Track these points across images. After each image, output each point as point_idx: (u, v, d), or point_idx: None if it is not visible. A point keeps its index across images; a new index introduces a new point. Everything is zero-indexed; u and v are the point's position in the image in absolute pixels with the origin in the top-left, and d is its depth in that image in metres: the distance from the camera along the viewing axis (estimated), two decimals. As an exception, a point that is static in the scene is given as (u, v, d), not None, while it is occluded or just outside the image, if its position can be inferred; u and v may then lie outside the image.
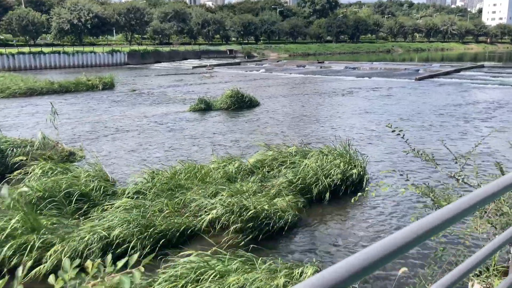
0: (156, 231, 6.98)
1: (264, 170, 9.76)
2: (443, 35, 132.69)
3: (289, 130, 16.10)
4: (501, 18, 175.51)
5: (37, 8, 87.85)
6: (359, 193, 6.75)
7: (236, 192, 8.22)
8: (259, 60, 66.46)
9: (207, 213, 7.38)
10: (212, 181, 8.65)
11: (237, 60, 65.36)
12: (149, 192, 8.29)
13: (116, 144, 14.14)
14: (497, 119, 17.00)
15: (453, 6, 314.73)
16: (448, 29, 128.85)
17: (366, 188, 9.81)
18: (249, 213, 7.22)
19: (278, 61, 61.54)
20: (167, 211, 7.43)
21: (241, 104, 21.92)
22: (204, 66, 56.57)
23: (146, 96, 27.37)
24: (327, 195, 8.94)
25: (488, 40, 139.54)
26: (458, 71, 38.23)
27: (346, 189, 9.37)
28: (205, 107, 21.33)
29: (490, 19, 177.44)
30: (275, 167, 9.98)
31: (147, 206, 7.60)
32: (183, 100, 25.14)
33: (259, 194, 8.56)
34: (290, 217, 7.79)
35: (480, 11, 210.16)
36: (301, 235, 7.64)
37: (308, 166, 9.30)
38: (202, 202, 7.63)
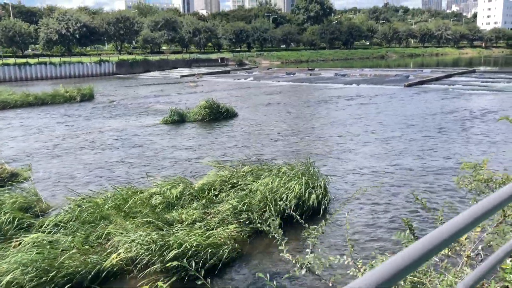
0: (61, 274, 5.90)
1: (211, 194, 8.69)
2: (438, 40, 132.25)
3: (258, 144, 15.05)
4: (496, 23, 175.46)
5: (27, 19, 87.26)
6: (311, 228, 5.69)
7: (166, 223, 7.16)
8: (249, 68, 65.59)
9: (124, 251, 6.31)
10: (142, 211, 7.57)
11: (227, 69, 64.47)
12: (68, 224, 7.22)
13: (70, 162, 13.07)
14: (472, 132, 15.93)
15: (448, 11, 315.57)
16: (443, 34, 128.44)
17: (331, 215, 8.79)
18: (172, 252, 6.14)
19: (268, 69, 60.66)
20: (77, 249, 6.35)
21: (217, 115, 20.90)
22: (193, 75, 55.67)
23: (122, 108, 26.35)
24: (277, 223, 7.84)
25: (483, 44, 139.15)
26: (448, 76, 37.33)
27: (302, 215, 8.30)
28: (178, 119, 20.30)
29: (485, 24, 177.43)
30: (225, 190, 8.92)
31: (61, 242, 6.53)
32: (159, 111, 24.12)
33: (199, 224, 7.51)
34: (226, 252, 6.72)
35: (475, 16, 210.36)
36: (236, 273, 6.56)
37: (257, 190, 8.24)
38: (120, 238, 6.55)
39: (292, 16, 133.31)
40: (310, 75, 48.17)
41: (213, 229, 7.42)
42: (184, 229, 7.04)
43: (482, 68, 53.06)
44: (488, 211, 1.47)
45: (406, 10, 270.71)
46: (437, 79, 35.43)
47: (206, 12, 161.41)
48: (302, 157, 12.52)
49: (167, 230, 6.78)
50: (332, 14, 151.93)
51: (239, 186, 8.86)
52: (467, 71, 39.96)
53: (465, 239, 2.58)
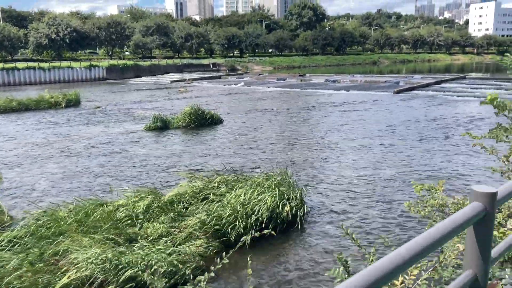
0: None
1: (180, 206, 8.28)
2: (430, 46, 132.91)
3: (240, 152, 14.67)
4: (487, 29, 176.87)
5: (18, 23, 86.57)
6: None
7: (128, 239, 6.75)
8: (240, 74, 65.32)
9: (77, 270, 5.88)
10: (103, 225, 7.14)
11: (218, 74, 64.18)
12: (23, 240, 6.78)
13: (42, 171, 12.61)
14: (453, 141, 15.62)
15: (441, 17, 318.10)
16: (435, 40, 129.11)
17: (305, 228, 8.42)
18: (128, 271, 5.73)
19: (259, 74, 60.41)
20: (28, 268, 5.92)
21: (201, 121, 20.50)
22: (184, 80, 55.34)
23: (107, 114, 25.87)
24: (249, 237, 7.45)
25: (475, 51, 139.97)
26: (439, 83, 37.21)
27: (276, 228, 7.92)
28: (161, 126, 19.87)
29: (477, 30, 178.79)
30: (196, 202, 8.51)
31: (11, 260, 6.09)
32: (144, 117, 23.67)
33: (164, 239, 7.10)
34: (189, 271, 6.30)
35: (467, 22, 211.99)
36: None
37: (227, 203, 7.85)
38: (76, 256, 6.13)
39: (285, 22, 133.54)
40: (301, 81, 47.95)
41: (180, 244, 7.03)
42: (146, 245, 6.63)
43: (473, 75, 53.09)
44: (425, 249, 1.39)
45: (399, 17, 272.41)
46: (427, 85, 35.28)
47: (199, 18, 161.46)
48: (283, 166, 12.16)
49: (126, 247, 6.36)
50: (325, 20, 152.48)
51: (210, 198, 8.47)
52: (457, 77, 39.87)
53: (400, 284, 2.20)
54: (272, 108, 26.71)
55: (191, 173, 9.78)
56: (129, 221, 7.71)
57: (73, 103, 31.15)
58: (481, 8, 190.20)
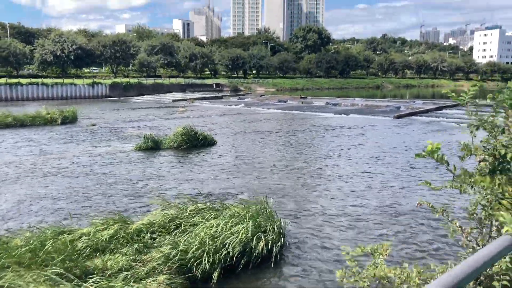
0: None
1: (147, 237, 7.76)
2: (434, 72, 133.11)
3: (227, 176, 14.17)
4: (491, 56, 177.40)
5: (25, 40, 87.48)
6: None
7: (84, 272, 6.22)
8: (243, 94, 65.25)
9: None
10: (58, 257, 6.62)
11: (220, 94, 64.15)
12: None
13: (18, 193, 12.13)
14: (443, 172, 15.04)
15: (445, 44, 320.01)
16: (439, 66, 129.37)
17: (281, 265, 7.86)
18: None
19: (261, 96, 60.29)
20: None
21: (194, 142, 20.06)
22: (185, 100, 55.26)
23: (101, 132, 25.52)
24: (216, 273, 6.91)
25: (479, 77, 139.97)
26: (440, 108, 36.77)
27: (248, 264, 7.37)
28: (152, 146, 19.45)
29: (481, 57, 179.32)
30: (164, 232, 7.99)
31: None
32: (138, 137, 23.27)
33: (124, 273, 6.56)
34: (145, 313, 5.76)
35: (471, 49, 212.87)
36: None
37: (195, 235, 7.32)
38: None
39: (290, 45, 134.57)
40: (302, 103, 47.70)
41: (141, 279, 6.49)
42: (102, 281, 6.09)
43: (476, 101, 52.59)
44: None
45: (403, 42, 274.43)
46: (428, 111, 34.85)
47: (206, 38, 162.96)
48: (267, 192, 11.66)
49: (76, 284, 5.83)
50: (330, 44, 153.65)
51: (181, 229, 7.95)
52: (459, 103, 39.40)
53: None
54: (268, 130, 26.29)
55: (165, 200, 9.27)
56: (90, 252, 7.20)
57: (70, 120, 30.88)
58: (485, 35, 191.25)
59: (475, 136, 2.88)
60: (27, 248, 6.83)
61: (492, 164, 2.65)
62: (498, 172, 2.61)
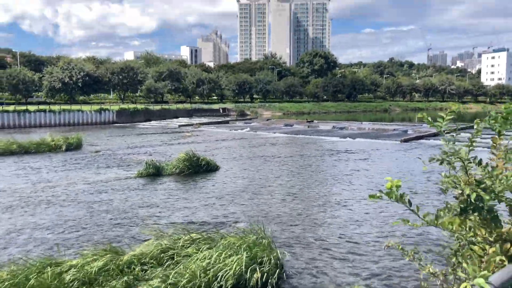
0: None
1: (138, 269, 7.41)
2: (442, 95, 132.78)
3: (227, 203, 13.83)
4: (500, 79, 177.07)
5: (35, 68, 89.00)
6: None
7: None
8: (249, 119, 65.31)
9: None
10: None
11: (226, 119, 64.24)
12: None
13: (8, 222, 11.87)
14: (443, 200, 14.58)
15: (453, 67, 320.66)
16: (447, 88, 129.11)
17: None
18: None
19: (267, 120, 60.28)
20: None
21: (196, 168, 19.80)
22: (191, 125, 55.35)
23: (104, 159, 25.39)
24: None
25: (487, 100, 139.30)
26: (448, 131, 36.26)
27: (242, 298, 6.98)
28: (154, 172, 19.21)
29: (489, 80, 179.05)
30: (156, 264, 7.64)
31: None
32: (141, 163, 23.08)
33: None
34: None
35: (479, 72, 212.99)
36: None
37: (186, 268, 6.97)
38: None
39: (296, 69, 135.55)
40: (308, 127, 47.49)
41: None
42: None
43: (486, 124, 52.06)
44: None
45: (411, 65, 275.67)
46: (435, 134, 34.37)
47: (213, 64, 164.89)
48: (268, 220, 11.29)
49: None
50: (337, 68, 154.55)
51: (174, 260, 7.60)
52: (467, 126, 38.89)
53: None
54: (272, 155, 25.99)
55: (159, 230, 8.95)
56: (77, 286, 6.86)
57: (74, 146, 30.82)
58: (493, 58, 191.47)
59: (454, 168, 2.58)
60: (11, 282, 6.52)
61: (463, 202, 2.35)
62: (470, 211, 2.29)
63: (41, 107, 60.94)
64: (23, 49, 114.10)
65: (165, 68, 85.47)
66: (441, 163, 2.58)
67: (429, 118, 2.87)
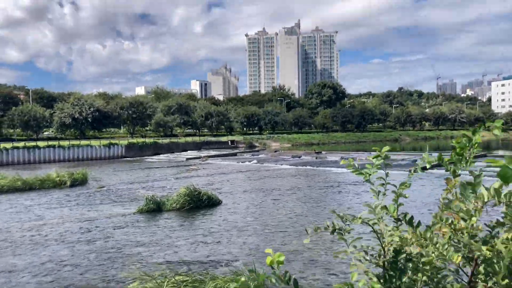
0: None
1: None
2: (452, 123, 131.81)
3: (225, 240, 13.38)
4: (510, 106, 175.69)
5: (48, 104, 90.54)
6: None
7: None
8: (257, 151, 65.12)
9: None
10: None
11: (234, 151, 64.12)
12: None
13: (2, 261, 11.55)
14: None
15: (463, 95, 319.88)
16: (457, 117, 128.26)
17: None
18: None
19: (275, 151, 60.04)
20: None
21: (197, 203, 19.42)
22: (199, 158, 55.25)
23: (108, 194, 25.18)
24: None
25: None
26: (457, 161, 35.57)
27: None
28: (154, 208, 18.87)
29: (500, 107, 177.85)
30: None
31: None
32: (143, 198, 22.79)
33: None
34: None
35: (489, 99, 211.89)
36: None
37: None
38: None
39: (305, 101, 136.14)
40: (316, 158, 47.07)
41: None
42: None
43: (499, 152, 51.33)
44: None
45: (420, 94, 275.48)
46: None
47: (223, 97, 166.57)
48: (263, 260, 10.78)
49: None
50: (345, 98, 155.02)
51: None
52: (477, 155, 38.10)
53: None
54: (277, 188, 25.53)
55: (144, 273, 8.52)
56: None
57: (79, 182, 30.72)
58: (503, 85, 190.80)
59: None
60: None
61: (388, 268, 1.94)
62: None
63: (51, 142, 61.50)
64: (38, 86, 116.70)
65: (174, 102, 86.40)
66: (332, 232, 2.18)
67: (356, 164, 2.49)
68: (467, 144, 2.22)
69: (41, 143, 60.15)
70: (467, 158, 2.14)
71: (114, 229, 15.43)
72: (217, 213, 18.25)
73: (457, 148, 2.28)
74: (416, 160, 37.80)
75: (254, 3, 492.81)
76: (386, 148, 2.30)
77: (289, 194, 23.21)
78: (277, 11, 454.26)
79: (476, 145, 2.13)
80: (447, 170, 2.11)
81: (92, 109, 70.83)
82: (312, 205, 19.57)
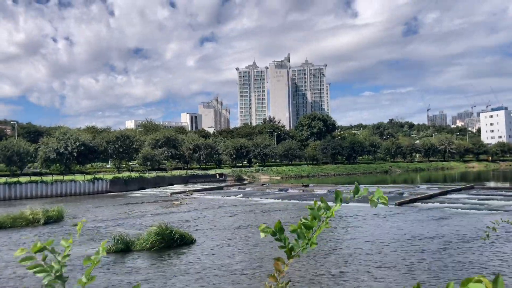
0: None
1: None
2: (443, 154, 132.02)
3: (195, 286, 12.37)
4: (500, 137, 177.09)
5: (34, 138, 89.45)
6: None
7: None
8: (244, 184, 64.07)
9: None
10: None
11: (221, 185, 63.02)
12: None
13: None
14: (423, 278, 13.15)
15: (453, 126, 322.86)
16: (446, 148, 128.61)
17: None
18: None
19: (262, 184, 59.03)
20: None
21: (169, 242, 18.39)
22: (184, 192, 54.12)
23: (80, 233, 23.92)
24: None
25: (489, 158, 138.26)
26: (444, 193, 34.96)
27: None
28: (123, 248, 17.81)
29: (490, 138, 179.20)
30: None
31: None
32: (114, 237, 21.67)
33: None
34: None
35: (479, 130, 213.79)
36: None
37: None
38: None
39: (295, 133, 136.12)
40: (303, 191, 46.20)
41: None
42: None
43: (488, 184, 50.81)
44: None
45: (411, 126, 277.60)
46: (431, 196, 33.04)
47: (214, 130, 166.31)
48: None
49: None
50: (336, 130, 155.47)
51: None
52: (464, 187, 37.63)
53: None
54: (257, 224, 24.51)
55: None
56: None
57: (54, 219, 29.51)
58: (491, 116, 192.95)
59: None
60: None
61: None
62: None
63: (33, 178, 60.17)
64: (31, 121, 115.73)
65: (161, 135, 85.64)
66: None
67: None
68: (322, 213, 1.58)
69: (23, 179, 58.74)
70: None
71: (71, 272, 14.32)
72: (188, 253, 17.24)
73: (310, 217, 1.63)
74: (403, 193, 37.05)
75: (245, 38, 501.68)
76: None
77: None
78: (268, 46, 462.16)
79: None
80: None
81: (77, 143, 69.79)
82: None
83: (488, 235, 4.16)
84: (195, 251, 17.53)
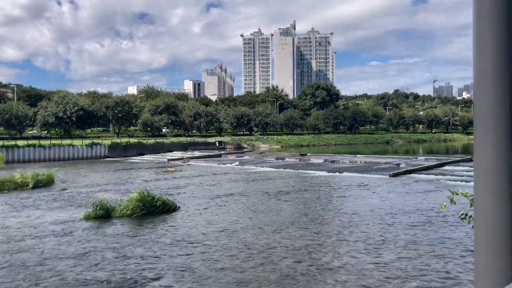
0: None
1: None
2: (446, 126, 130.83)
3: (167, 256, 12.02)
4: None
5: (34, 102, 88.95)
6: None
7: None
8: (242, 152, 63.78)
9: None
10: None
11: (220, 153, 62.73)
12: None
13: None
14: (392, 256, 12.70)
15: (459, 98, 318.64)
16: (450, 120, 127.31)
17: None
18: None
19: (261, 153, 58.68)
20: None
21: (150, 209, 18.04)
22: (182, 159, 53.87)
23: (67, 198, 23.71)
24: None
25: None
26: (442, 165, 34.37)
27: None
28: (103, 214, 17.50)
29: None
30: None
31: None
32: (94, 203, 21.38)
33: None
34: None
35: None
36: None
37: None
38: None
39: (298, 102, 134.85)
40: (300, 160, 45.77)
41: None
42: None
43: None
44: None
45: (416, 97, 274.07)
46: (427, 168, 32.50)
47: (217, 98, 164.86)
48: (197, 278, 9.48)
49: None
50: (339, 100, 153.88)
51: None
52: (463, 159, 36.99)
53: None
54: (245, 193, 24.20)
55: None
56: None
57: (44, 184, 29.25)
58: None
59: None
60: None
61: None
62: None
63: (31, 142, 59.99)
64: (36, 85, 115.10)
65: (161, 101, 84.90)
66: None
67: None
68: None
69: (20, 142, 58.59)
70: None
71: (48, 238, 14.05)
72: (173, 220, 16.94)
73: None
74: (399, 164, 36.53)
75: (252, 3, 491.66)
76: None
77: (256, 199, 21.84)
78: (274, 13, 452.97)
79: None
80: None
81: (76, 108, 69.29)
82: (274, 212, 18.22)
83: (445, 206, 3.98)
84: (176, 218, 17.24)
